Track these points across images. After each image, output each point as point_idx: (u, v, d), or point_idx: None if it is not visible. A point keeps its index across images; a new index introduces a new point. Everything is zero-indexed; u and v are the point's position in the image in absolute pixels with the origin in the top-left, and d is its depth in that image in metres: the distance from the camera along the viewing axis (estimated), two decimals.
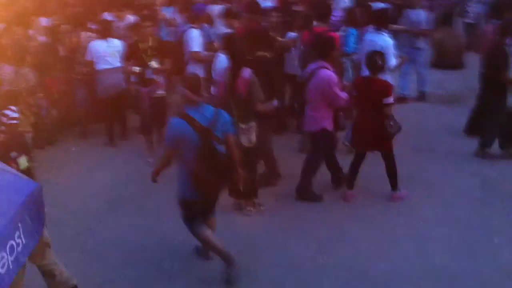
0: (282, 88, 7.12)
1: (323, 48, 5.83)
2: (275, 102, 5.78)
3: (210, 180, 4.43)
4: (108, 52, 7.54)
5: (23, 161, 4.45)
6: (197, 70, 7.07)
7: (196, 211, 4.63)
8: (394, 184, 6.01)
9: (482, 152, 6.93)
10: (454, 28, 11.48)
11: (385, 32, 6.68)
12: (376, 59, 5.69)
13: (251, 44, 5.82)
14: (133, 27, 7.73)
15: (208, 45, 7.45)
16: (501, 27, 6.68)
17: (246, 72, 5.42)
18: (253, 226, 5.59)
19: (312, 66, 5.85)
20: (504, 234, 5.32)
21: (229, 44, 5.63)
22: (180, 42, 7.64)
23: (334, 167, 6.33)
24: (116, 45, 7.60)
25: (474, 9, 11.61)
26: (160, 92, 7.19)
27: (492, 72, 6.60)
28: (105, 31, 7.64)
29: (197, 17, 7.70)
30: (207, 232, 4.67)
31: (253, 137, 5.56)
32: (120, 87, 7.66)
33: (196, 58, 7.28)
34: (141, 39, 7.06)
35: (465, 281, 4.66)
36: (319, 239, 5.31)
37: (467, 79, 9.31)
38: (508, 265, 4.86)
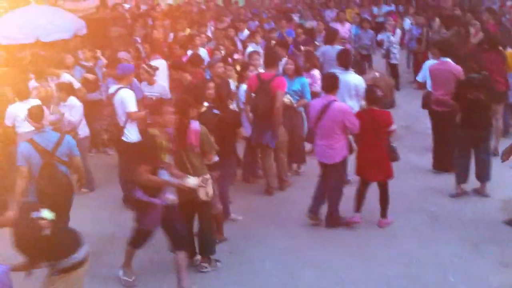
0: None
1: (332, 85, 6.30)
2: (216, 158, 5.66)
3: (50, 194, 5.02)
4: None
5: None
6: (134, 129, 6.84)
7: None
8: (386, 211, 6.38)
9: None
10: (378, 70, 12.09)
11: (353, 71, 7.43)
12: (375, 92, 6.22)
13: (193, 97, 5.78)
14: None
15: (140, 101, 7.19)
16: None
17: (195, 124, 5.36)
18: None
19: (322, 100, 6.30)
20: (458, 271, 5.39)
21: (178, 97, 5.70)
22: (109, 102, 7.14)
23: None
24: None
25: (398, 51, 12.33)
26: None
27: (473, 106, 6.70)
28: None
29: (125, 77, 7.05)
30: None
31: (211, 190, 5.38)
32: None
33: (135, 118, 6.94)
34: None
35: None
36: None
37: (401, 116, 9.73)
38: None
